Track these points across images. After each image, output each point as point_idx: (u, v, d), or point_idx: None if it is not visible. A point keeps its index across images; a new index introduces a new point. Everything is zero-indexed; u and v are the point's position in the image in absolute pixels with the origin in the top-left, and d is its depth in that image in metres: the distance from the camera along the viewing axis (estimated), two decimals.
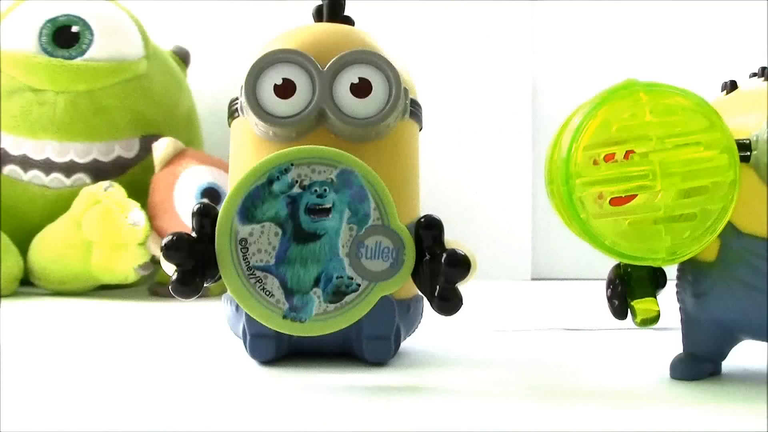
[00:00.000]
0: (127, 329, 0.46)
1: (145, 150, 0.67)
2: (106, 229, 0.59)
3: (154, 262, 0.61)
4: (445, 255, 0.28)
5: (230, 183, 0.35)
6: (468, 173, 0.82)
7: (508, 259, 0.81)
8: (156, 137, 0.66)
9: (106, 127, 0.66)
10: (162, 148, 0.64)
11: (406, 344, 0.36)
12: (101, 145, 0.66)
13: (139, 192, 0.62)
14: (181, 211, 0.61)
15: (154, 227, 0.61)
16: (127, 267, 0.59)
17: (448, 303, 0.28)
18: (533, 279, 0.82)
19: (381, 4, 0.80)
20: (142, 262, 0.59)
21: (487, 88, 0.82)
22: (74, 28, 0.66)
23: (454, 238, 0.30)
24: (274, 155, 0.28)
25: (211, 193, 0.62)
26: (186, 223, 0.60)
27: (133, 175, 0.67)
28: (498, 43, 0.82)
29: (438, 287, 0.28)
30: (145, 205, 0.61)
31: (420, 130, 0.35)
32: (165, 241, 0.27)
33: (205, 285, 0.28)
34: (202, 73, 0.79)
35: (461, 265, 0.27)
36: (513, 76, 0.82)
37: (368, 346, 0.31)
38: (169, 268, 0.28)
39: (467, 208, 0.81)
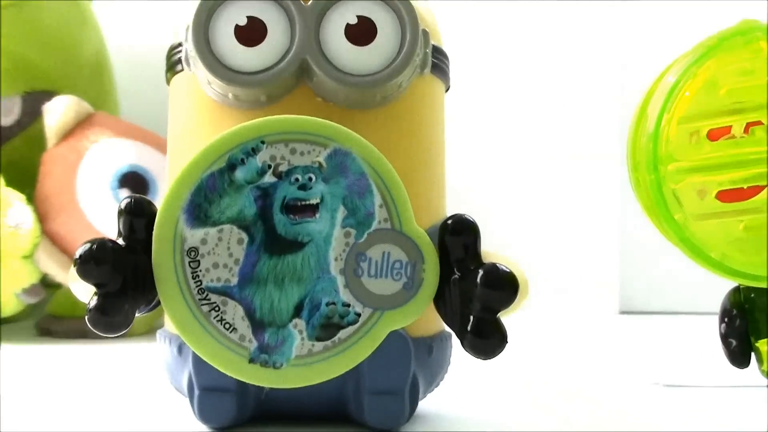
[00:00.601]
0: (6, 386, 0.46)
1: (31, 114, 0.69)
2: None
3: (46, 284, 0.63)
4: (481, 271, 0.29)
5: (170, 167, 0.37)
6: (528, 168, 0.86)
7: (590, 286, 0.84)
8: (47, 95, 0.67)
9: None
10: (58, 112, 0.65)
11: (427, 403, 0.37)
12: None
13: (23, 178, 0.64)
14: (87, 207, 0.63)
15: (46, 231, 0.62)
16: (5, 292, 0.60)
17: (486, 340, 0.29)
18: (621, 312, 0.85)
19: None
20: (27, 284, 0.60)
21: (570, 80, 0.86)
22: None
23: (495, 250, 0.32)
24: (236, 129, 0.30)
25: (134, 180, 0.63)
26: (93, 225, 0.62)
27: (12, 151, 0.69)
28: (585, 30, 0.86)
29: (472, 317, 0.29)
30: (31, 198, 0.63)
31: (447, 90, 0.37)
32: (81, 251, 0.29)
33: (137, 314, 0.30)
34: (117, 4, 0.80)
35: (505, 285, 0.29)
36: (600, 69, 0.86)
37: (372, 405, 0.33)
38: (85, 292, 0.30)
39: (538, 224, 0.84)
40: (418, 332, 0.34)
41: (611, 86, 0.88)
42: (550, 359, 0.53)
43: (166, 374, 0.37)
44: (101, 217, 0.63)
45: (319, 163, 0.30)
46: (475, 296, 0.29)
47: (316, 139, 0.30)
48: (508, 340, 0.30)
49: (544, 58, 0.89)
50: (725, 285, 0.33)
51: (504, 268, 0.29)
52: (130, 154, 0.65)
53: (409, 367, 0.34)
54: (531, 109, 0.88)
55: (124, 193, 0.63)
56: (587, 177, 0.87)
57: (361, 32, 0.33)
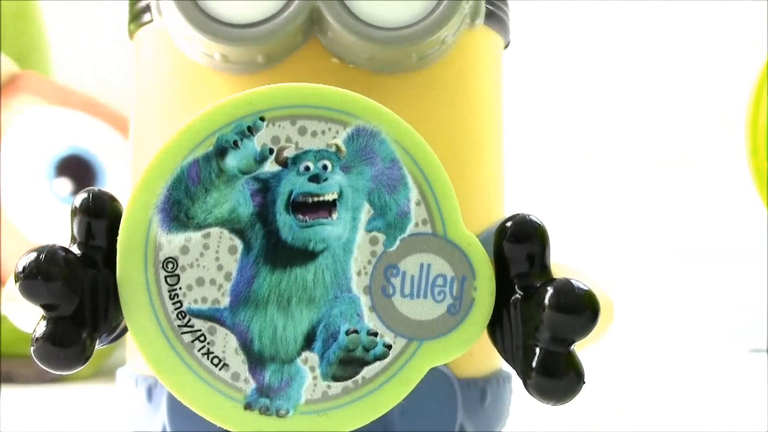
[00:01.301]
0: None
1: None
2: None
3: None
4: (551, 290, 0.30)
5: (135, 150, 0.38)
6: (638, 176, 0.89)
7: (732, 318, 0.87)
8: None
9: None
10: None
11: None
12: None
13: None
14: (11, 206, 0.64)
15: None
16: None
17: (557, 380, 0.30)
18: (753, 351, 0.87)
19: None
20: None
21: None
22: None
23: (566, 263, 0.34)
24: (226, 101, 0.31)
25: (77, 167, 0.65)
26: (21, 232, 0.63)
27: None
28: None
29: (538, 350, 0.30)
30: None
31: (506, 47, 0.39)
32: (24, 263, 0.30)
33: (97, 345, 0.31)
34: None
35: (581, 308, 0.30)
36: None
37: None
38: (28, 316, 0.32)
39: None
40: (468, 372, 0.35)
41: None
42: (639, 406, 0.55)
43: (129, 426, 0.38)
44: (33, 217, 0.64)
45: (337, 147, 0.31)
46: (543, 322, 0.30)
47: (333, 114, 0.31)
48: (586, 380, 0.30)
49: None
50: None
51: (581, 286, 0.30)
52: (71, 131, 0.66)
53: (454, 418, 0.35)
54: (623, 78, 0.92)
55: (63, 184, 0.64)
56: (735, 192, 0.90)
57: None
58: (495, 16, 0.37)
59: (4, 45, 0.72)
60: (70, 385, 0.52)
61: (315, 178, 0.31)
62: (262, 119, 0.31)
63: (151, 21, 0.37)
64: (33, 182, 0.66)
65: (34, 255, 0.30)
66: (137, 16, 0.38)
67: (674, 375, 0.72)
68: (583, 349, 0.31)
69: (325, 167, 0.31)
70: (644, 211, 0.97)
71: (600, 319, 0.31)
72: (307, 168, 0.31)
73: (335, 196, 0.31)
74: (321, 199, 0.31)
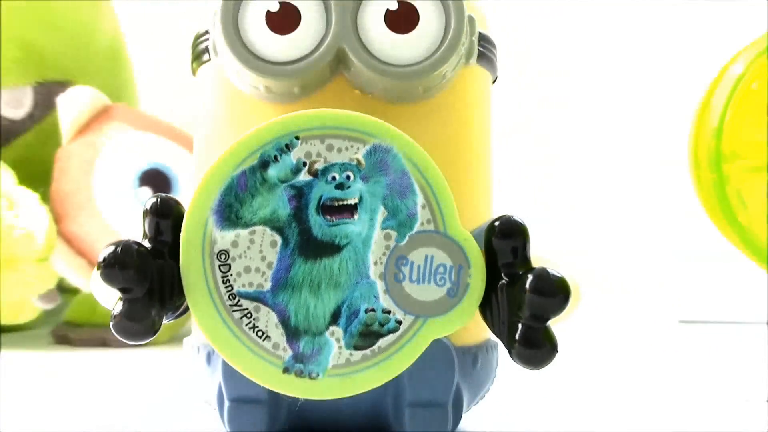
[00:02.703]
0: (21, 396, 0.47)
1: (44, 106, 0.70)
2: None
3: (63, 289, 0.64)
4: (531, 276, 0.29)
5: (197, 164, 0.37)
6: (589, 178, 0.87)
7: (646, 293, 0.85)
8: (61, 86, 0.68)
9: None
10: (72, 104, 0.65)
11: (471, 416, 0.38)
12: None
13: (37, 175, 0.65)
14: (106, 207, 0.64)
15: (63, 233, 0.63)
16: (19, 297, 0.61)
17: (536, 350, 0.30)
18: (681, 322, 0.85)
19: None
20: (43, 289, 0.61)
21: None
22: None
23: (541, 254, 0.32)
24: (268, 124, 0.30)
25: (156, 179, 0.64)
26: (112, 227, 0.63)
27: (23, 146, 0.70)
28: None
29: (520, 326, 0.30)
30: (46, 197, 0.64)
31: (494, 81, 0.38)
32: (105, 254, 0.29)
33: (164, 321, 0.30)
34: None
35: (555, 292, 0.29)
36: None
37: (413, 417, 0.33)
38: (108, 297, 0.31)
39: (591, 227, 0.85)
40: (463, 341, 0.34)
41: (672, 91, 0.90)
42: (589, 370, 0.53)
43: (194, 385, 0.37)
44: (121, 217, 0.64)
45: (358, 161, 0.30)
46: (524, 303, 0.29)
47: (355, 134, 0.30)
48: (559, 349, 0.30)
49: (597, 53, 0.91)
50: None
51: (555, 273, 0.30)
52: (152, 150, 0.65)
53: (452, 378, 0.34)
54: (582, 107, 0.89)
55: (145, 192, 0.63)
56: (649, 179, 0.88)
57: (402, 19, 0.33)
58: (485, 56, 0.36)
59: (100, 83, 0.71)
60: (151, 349, 0.50)
61: (340, 186, 0.30)
62: (297, 138, 0.30)
63: (209, 60, 0.36)
64: (121, 190, 0.65)
65: (112, 248, 0.29)
66: (198, 56, 0.37)
67: (606, 348, 0.69)
68: (556, 324, 0.31)
69: (348, 177, 0.30)
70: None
71: (571, 301, 0.30)
72: (334, 178, 0.30)
73: (356, 201, 0.30)
74: (345, 203, 0.30)
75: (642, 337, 0.74)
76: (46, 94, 0.70)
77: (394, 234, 0.30)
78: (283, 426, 0.35)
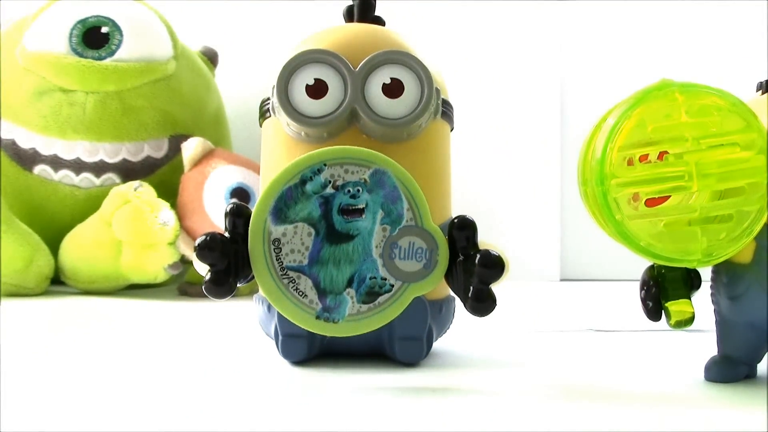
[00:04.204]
0: (157, 328, 0.46)
1: (174, 150, 0.68)
2: (136, 229, 0.60)
3: (184, 261, 0.62)
4: (479, 255, 0.28)
5: (262, 183, 0.35)
6: (496, 173, 0.82)
7: (537, 259, 0.81)
8: (185, 137, 0.67)
9: (135, 127, 0.67)
10: (191, 148, 0.64)
11: (438, 345, 0.36)
12: (130, 145, 0.67)
13: (169, 192, 0.63)
14: (210, 211, 0.62)
15: (184, 227, 0.61)
16: (156, 266, 0.60)
17: (482, 304, 0.28)
18: (562, 280, 0.82)
19: (411, 5, 0.80)
20: (171, 261, 0.60)
21: (516, 90, 0.82)
22: (104, 29, 0.67)
23: (486, 239, 0.30)
24: (306, 155, 0.28)
25: (241, 193, 0.62)
26: (215, 223, 0.61)
27: (162, 174, 0.68)
28: (526, 45, 0.82)
29: (472, 288, 0.28)
30: (174, 205, 0.62)
31: (451, 130, 0.35)
32: (199, 241, 0.28)
33: (237, 285, 0.28)
34: (231, 74, 0.80)
35: (495, 265, 0.28)
36: (541, 77, 0.82)
37: (400, 346, 0.32)
38: (202, 269, 0.29)
39: (495, 209, 0.81)
40: (433, 297, 0.32)
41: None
42: (508, 316, 0.51)
43: (260, 324, 0.35)
44: (219, 217, 0.62)
45: (365, 180, 0.28)
46: (474, 273, 0.28)
47: (363, 162, 0.28)
48: (497, 303, 0.28)
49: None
50: (646, 262, 0.31)
51: (495, 253, 0.28)
52: (238, 176, 0.63)
53: (426, 321, 0.32)
54: (495, 136, 0.84)
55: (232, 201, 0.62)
56: (530, 172, 0.83)
57: (394, 89, 0.31)
58: (446, 113, 0.34)
59: (208, 135, 0.70)
60: (238, 300, 0.47)
61: (353, 197, 0.28)
62: (325, 165, 0.28)
63: (269, 116, 0.33)
64: (220, 200, 0.63)
65: (203, 237, 0.28)
66: (263, 114, 0.34)
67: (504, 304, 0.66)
68: (495, 287, 0.28)
69: (358, 190, 0.28)
70: None
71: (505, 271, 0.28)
72: (349, 191, 0.28)
73: (364, 206, 0.28)
74: (356, 207, 0.28)
75: (527, 293, 0.70)
76: (176, 143, 0.68)
77: (388, 228, 0.28)
78: (317, 352, 0.33)
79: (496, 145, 0.82)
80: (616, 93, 0.30)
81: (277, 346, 0.32)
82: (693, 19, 0.82)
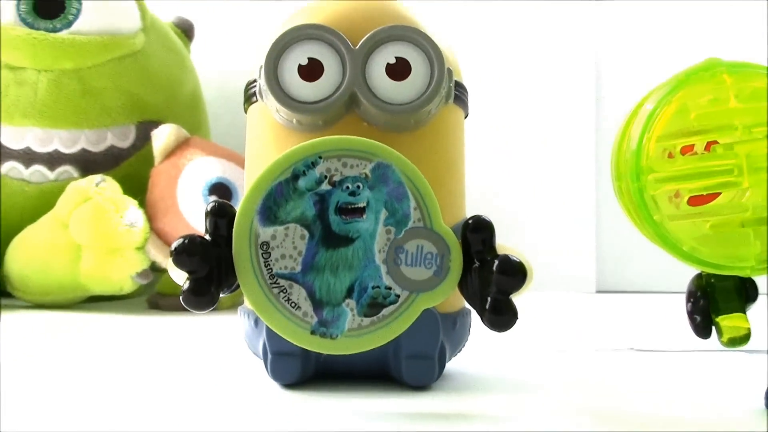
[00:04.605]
0: (123, 347, 0.46)
1: (143, 138, 0.68)
2: (98, 231, 0.60)
3: (154, 269, 0.63)
4: (497, 261, 0.28)
5: (247, 178, 0.36)
6: (519, 168, 0.83)
7: (570, 268, 0.82)
8: (155, 124, 0.67)
9: (97, 112, 0.68)
10: (162, 137, 0.65)
11: (452, 365, 0.36)
12: (91, 132, 0.68)
13: (136, 187, 0.64)
14: (185, 210, 0.63)
15: (154, 229, 0.62)
16: (122, 275, 0.61)
17: (501, 317, 0.28)
18: (598, 291, 0.83)
19: None
20: (140, 269, 0.61)
21: (543, 70, 0.83)
22: None
23: (505, 243, 0.30)
24: (299, 147, 0.29)
25: (221, 189, 0.63)
26: (191, 224, 0.62)
27: (128, 167, 0.68)
28: (559, 23, 0.83)
29: (489, 299, 0.28)
30: (143, 203, 0.63)
31: (466, 117, 0.36)
32: (175, 244, 0.28)
33: (220, 295, 0.29)
34: (209, 50, 0.80)
35: (516, 273, 0.28)
36: (574, 60, 0.83)
37: (408, 366, 0.32)
38: (179, 277, 0.29)
39: (518, 209, 0.82)
40: (445, 309, 0.33)
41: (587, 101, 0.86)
42: (534, 331, 0.52)
43: (246, 341, 0.36)
44: (196, 217, 0.63)
45: (366, 174, 0.29)
46: (492, 281, 0.28)
47: (363, 155, 0.29)
48: (519, 316, 0.29)
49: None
50: (692, 271, 0.32)
51: (515, 258, 0.29)
52: (218, 169, 0.64)
53: (438, 337, 0.33)
54: (519, 125, 0.85)
55: (213, 199, 0.63)
56: (568, 176, 0.84)
57: (399, 70, 0.32)
58: (459, 98, 0.35)
59: (183, 121, 0.70)
60: (218, 314, 0.48)
61: (352, 194, 0.29)
62: (320, 157, 0.29)
63: (256, 101, 0.34)
64: (196, 198, 0.63)
65: (181, 240, 0.28)
66: (249, 98, 0.35)
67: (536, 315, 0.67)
68: (516, 297, 0.29)
69: (358, 187, 0.29)
70: None
71: (527, 279, 0.29)
72: (348, 187, 0.29)
73: (365, 204, 0.29)
74: (356, 206, 0.29)
75: (558, 306, 0.71)
76: (145, 131, 0.69)
77: (393, 229, 0.29)
78: (312, 373, 0.33)
79: (520, 135, 0.83)
80: (658, 76, 0.31)
81: (266, 366, 0.33)
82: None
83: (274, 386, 0.33)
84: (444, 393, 0.33)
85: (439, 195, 0.30)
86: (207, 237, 0.29)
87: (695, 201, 0.28)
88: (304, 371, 0.33)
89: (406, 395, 0.32)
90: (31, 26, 0.66)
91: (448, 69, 0.33)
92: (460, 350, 0.36)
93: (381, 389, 0.33)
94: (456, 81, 0.34)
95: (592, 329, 0.57)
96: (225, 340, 0.46)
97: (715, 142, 0.28)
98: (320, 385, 0.33)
